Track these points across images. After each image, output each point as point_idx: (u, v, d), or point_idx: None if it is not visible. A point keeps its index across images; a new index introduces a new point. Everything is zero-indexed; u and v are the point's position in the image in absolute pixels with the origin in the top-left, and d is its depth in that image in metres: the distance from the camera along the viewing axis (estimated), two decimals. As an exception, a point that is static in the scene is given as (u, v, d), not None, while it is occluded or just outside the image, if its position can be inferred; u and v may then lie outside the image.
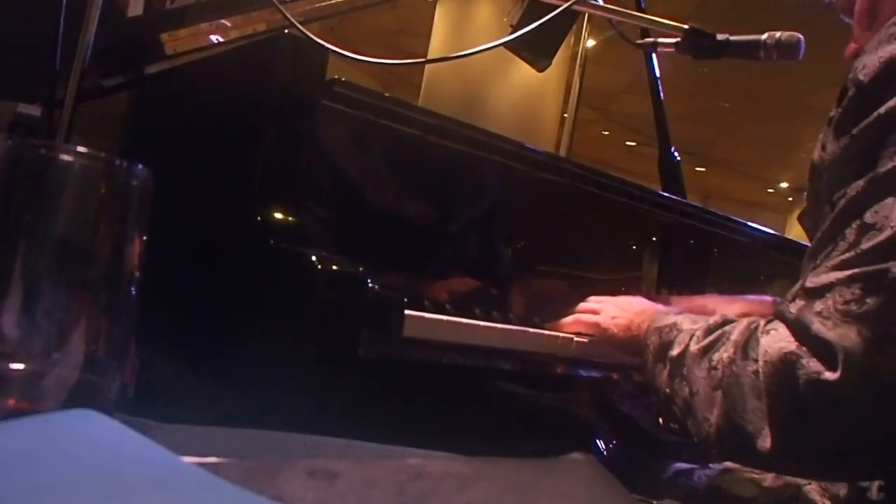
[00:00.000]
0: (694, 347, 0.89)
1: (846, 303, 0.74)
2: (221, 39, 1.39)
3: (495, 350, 1.05)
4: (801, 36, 1.34)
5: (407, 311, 0.93)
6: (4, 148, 0.38)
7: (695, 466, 1.14)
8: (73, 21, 1.12)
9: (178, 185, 0.78)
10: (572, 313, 1.19)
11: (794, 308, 0.79)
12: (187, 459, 0.32)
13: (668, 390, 0.91)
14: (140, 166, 0.40)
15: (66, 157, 0.39)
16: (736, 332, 0.85)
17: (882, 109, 0.78)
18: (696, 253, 1.56)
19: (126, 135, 1.42)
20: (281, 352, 0.87)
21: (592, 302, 1.19)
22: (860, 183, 0.78)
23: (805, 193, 0.94)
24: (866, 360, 0.72)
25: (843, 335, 0.73)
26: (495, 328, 1.05)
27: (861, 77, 0.81)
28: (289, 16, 1.12)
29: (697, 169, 11.56)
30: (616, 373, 1.21)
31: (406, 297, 0.95)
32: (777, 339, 0.78)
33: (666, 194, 1.57)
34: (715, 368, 0.84)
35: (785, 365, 0.76)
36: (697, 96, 8.29)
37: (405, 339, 0.93)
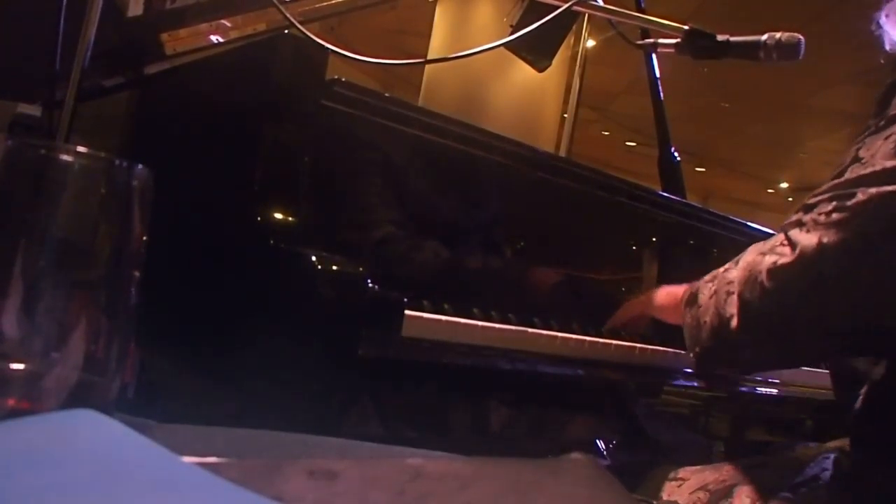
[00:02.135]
0: (707, 276, 1.09)
1: (820, 214, 0.93)
2: (221, 39, 1.39)
3: (495, 350, 1.05)
4: (800, 36, 1.33)
5: (406, 311, 0.93)
6: (4, 148, 0.38)
7: (698, 467, 1.14)
8: (73, 21, 1.12)
9: (179, 185, 0.78)
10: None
11: (789, 219, 0.99)
12: (187, 459, 0.32)
13: (689, 320, 1.09)
14: (140, 166, 0.40)
15: (66, 157, 0.39)
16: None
17: None
18: (696, 253, 1.56)
19: (126, 135, 1.42)
20: (281, 352, 0.87)
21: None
22: (870, 125, 0.95)
23: None
24: (814, 255, 0.91)
25: (808, 239, 0.93)
26: (495, 328, 1.05)
27: None
28: (289, 16, 1.12)
29: (697, 169, 11.55)
30: (617, 373, 1.21)
31: (406, 297, 0.95)
32: (758, 249, 1.00)
33: (666, 194, 1.57)
34: (713, 284, 1.06)
35: (755, 261, 0.98)
36: (697, 96, 8.28)
37: (405, 339, 0.93)
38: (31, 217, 0.38)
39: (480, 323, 1.03)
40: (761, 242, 1.03)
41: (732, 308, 0.99)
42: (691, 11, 6.17)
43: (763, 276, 0.96)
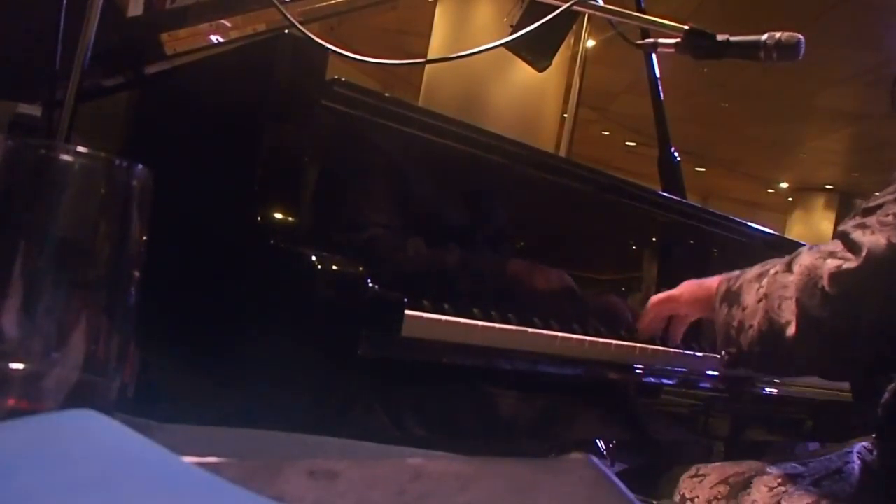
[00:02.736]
0: (749, 276, 1.07)
1: (887, 215, 0.91)
2: (221, 39, 1.39)
3: (495, 350, 1.05)
4: (800, 36, 1.34)
5: (406, 311, 0.93)
6: (4, 148, 0.38)
7: (718, 463, 1.15)
8: (73, 21, 1.12)
9: (179, 185, 0.78)
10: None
11: (847, 224, 0.95)
12: (187, 459, 0.32)
13: (726, 320, 1.07)
14: (140, 166, 0.40)
15: (66, 157, 0.39)
16: (786, 257, 1.03)
17: None
18: (696, 253, 1.56)
19: (126, 135, 1.42)
20: (281, 352, 0.87)
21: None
22: None
23: None
24: (884, 255, 0.88)
25: (875, 240, 0.89)
26: (495, 328, 1.05)
27: None
28: (289, 16, 1.12)
29: (697, 169, 11.56)
30: (617, 373, 1.21)
31: (406, 297, 0.95)
32: (815, 254, 0.96)
33: (666, 194, 1.57)
34: (762, 286, 1.02)
35: (815, 265, 0.94)
36: (697, 97, 8.29)
37: (404, 339, 0.93)
38: (31, 217, 0.38)
39: (480, 323, 1.03)
40: (815, 246, 0.99)
41: (788, 314, 0.95)
42: (691, 11, 6.17)
43: (824, 282, 0.92)
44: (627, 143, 11.06)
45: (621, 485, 0.40)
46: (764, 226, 1.73)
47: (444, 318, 1.00)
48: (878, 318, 0.91)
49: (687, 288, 1.23)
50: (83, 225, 0.39)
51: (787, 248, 1.81)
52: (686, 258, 1.54)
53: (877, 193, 0.96)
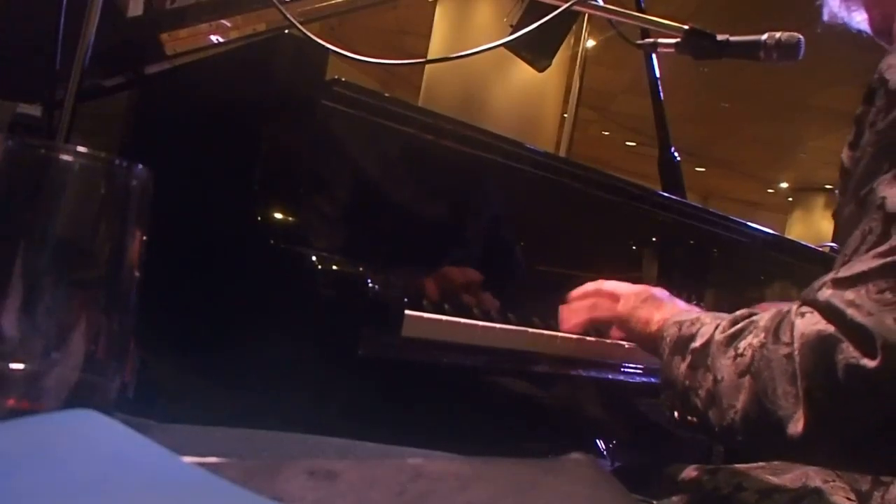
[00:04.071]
0: (719, 336, 0.88)
1: (881, 292, 0.74)
2: (221, 39, 1.39)
3: (495, 350, 1.05)
4: (800, 36, 1.34)
5: (406, 311, 0.93)
6: (4, 148, 0.38)
7: (698, 467, 1.14)
8: (73, 21, 1.12)
9: (178, 185, 0.78)
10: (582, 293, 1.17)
11: (822, 296, 0.78)
12: (187, 459, 0.32)
13: (687, 382, 0.90)
14: (140, 166, 0.40)
15: (66, 157, 0.39)
16: (765, 318, 0.84)
17: None
18: (696, 253, 1.56)
19: (126, 135, 1.42)
20: (281, 352, 0.87)
21: (606, 285, 1.16)
22: (886, 177, 0.77)
23: (837, 191, 0.93)
24: None
25: (879, 322, 0.72)
26: (495, 328, 1.05)
27: (887, 76, 0.82)
28: (289, 16, 1.12)
29: (697, 169, 11.57)
30: (617, 372, 1.21)
31: (406, 297, 0.95)
32: (814, 322, 0.77)
33: (666, 194, 1.57)
34: (742, 355, 0.84)
35: (823, 346, 0.75)
36: (697, 96, 8.30)
37: (405, 339, 0.93)
38: (31, 217, 0.38)
39: (480, 323, 1.03)
40: (808, 311, 0.79)
41: (789, 406, 0.77)
42: (691, 11, 6.18)
43: (839, 375, 0.74)
44: (627, 143, 11.07)
45: (621, 485, 0.40)
46: (764, 226, 1.73)
47: (444, 318, 1.00)
48: None
49: (634, 322, 1.07)
50: (83, 225, 0.39)
51: (788, 248, 1.81)
52: (686, 258, 1.54)
53: (841, 248, 0.81)
